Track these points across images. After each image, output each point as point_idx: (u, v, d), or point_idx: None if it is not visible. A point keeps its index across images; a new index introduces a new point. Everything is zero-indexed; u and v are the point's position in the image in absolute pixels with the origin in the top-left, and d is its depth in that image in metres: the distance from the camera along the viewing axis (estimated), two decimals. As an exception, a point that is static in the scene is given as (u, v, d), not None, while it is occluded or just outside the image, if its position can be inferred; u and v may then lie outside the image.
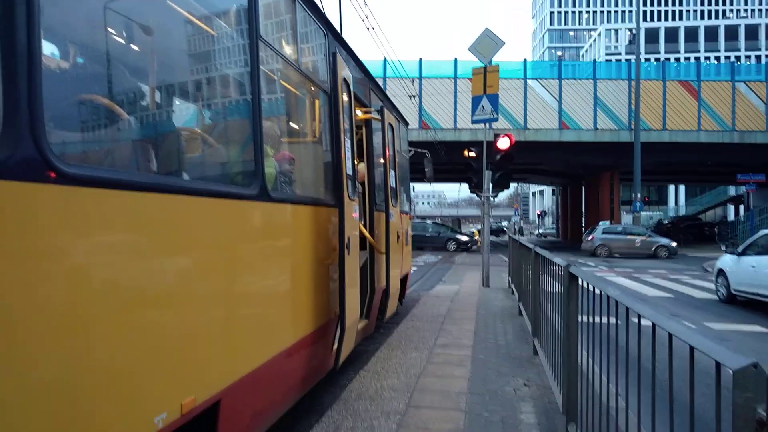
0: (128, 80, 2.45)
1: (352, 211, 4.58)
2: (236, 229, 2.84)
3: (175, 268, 2.29)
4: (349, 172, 4.58)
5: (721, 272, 11.11)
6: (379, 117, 6.32)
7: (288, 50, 3.87)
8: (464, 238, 30.20)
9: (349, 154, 4.65)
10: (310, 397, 4.61)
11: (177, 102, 3.04)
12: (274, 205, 3.28)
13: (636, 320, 2.17)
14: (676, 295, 11.86)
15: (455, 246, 28.91)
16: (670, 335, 1.74)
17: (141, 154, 2.35)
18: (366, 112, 6.21)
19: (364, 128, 6.35)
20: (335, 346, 4.32)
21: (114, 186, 1.92)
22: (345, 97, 4.72)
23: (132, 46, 2.52)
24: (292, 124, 4.48)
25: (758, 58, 69.10)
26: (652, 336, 1.94)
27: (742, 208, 43.29)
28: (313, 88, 4.48)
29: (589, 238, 26.00)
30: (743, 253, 10.47)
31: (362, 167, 6.35)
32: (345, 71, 4.70)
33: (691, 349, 1.57)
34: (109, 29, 2.31)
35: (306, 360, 3.81)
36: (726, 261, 11.06)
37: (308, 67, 4.31)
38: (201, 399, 2.38)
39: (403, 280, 8.44)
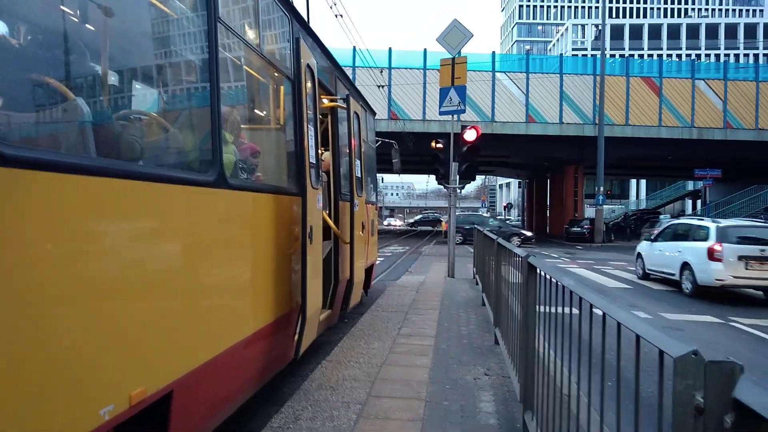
0: (77, 61, 2.35)
1: (316, 200, 4.53)
2: (191, 216, 2.76)
3: (124, 255, 2.21)
4: (313, 160, 4.53)
5: (639, 255, 13.82)
6: (344, 105, 6.26)
7: (249, 34, 3.78)
8: (528, 233, 28.33)
9: (312, 143, 4.59)
10: (271, 388, 4.57)
11: (129, 85, 2.94)
12: (232, 192, 3.21)
13: (589, 309, 2.22)
14: (635, 286, 12.18)
15: (519, 240, 26.31)
16: (619, 324, 1.77)
17: (88, 137, 2.26)
18: (332, 101, 6.15)
19: (329, 117, 6.29)
20: (296, 336, 4.29)
21: (57, 169, 1.84)
22: (309, 85, 4.65)
23: (83, 25, 2.42)
24: (253, 110, 4.40)
25: (717, 56, 71.21)
26: (602, 324, 1.97)
27: (699, 202, 44.69)
28: (276, 75, 4.40)
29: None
30: (655, 240, 13.14)
31: (327, 156, 6.29)
32: (309, 58, 4.63)
33: (637, 337, 1.60)
34: (58, 8, 2.21)
35: (266, 350, 3.76)
36: (643, 246, 13.82)
37: (271, 52, 4.23)
38: (152, 390, 2.32)
39: (369, 271, 8.44)
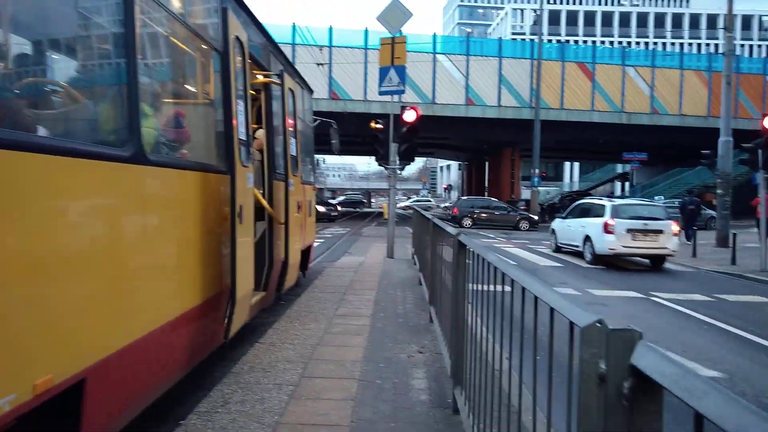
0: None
1: (246, 178, 4.40)
2: (105, 192, 2.60)
3: (30, 234, 2.05)
4: (243, 137, 4.38)
5: (553, 231, 15.58)
6: (278, 82, 6.10)
7: (172, 2, 3.58)
8: (535, 218, 27.69)
9: (242, 119, 4.44)
10: (201, 372, 4.44)
11: (37, 53, 2.72)
12: (153, 169, 3.05)
13: (506, 287, 2.26)
14: (566, 264, 12.67)
15: (528, 225, 26.15)
16: (536, 297, 1.80)
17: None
18: (265, 76, 5.97)
19: (263, 93, 6.11)
20: (226, 319, 4.17)
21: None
22: (238, 59, 4.48)
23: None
24: (177, 83, 4.19)
25: (647, 44, 74.36)
26: (521, 297, 2.01)
27: (627, 184, 46.87)
28: (203, 46, 4.20)
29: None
30: (566, 218, 14.96)
31: (261, 134, 6.12)
32: (238, 30, 4.45)
33: (551, 309, 1.63)
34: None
35: (193, 334, 3.64)
36: (556, 223, 15.61)
37: (196, 23, 4.03)
38: (60, 378, 2.18)
39: (306, 252, 8.35)
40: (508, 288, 2.49)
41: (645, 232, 12.11)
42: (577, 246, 13.60)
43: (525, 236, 21.47)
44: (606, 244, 12.14)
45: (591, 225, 12.92)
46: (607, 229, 12.16)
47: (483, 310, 2.89)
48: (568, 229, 14.34)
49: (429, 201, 61.99)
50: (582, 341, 1.28)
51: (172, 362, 3.42)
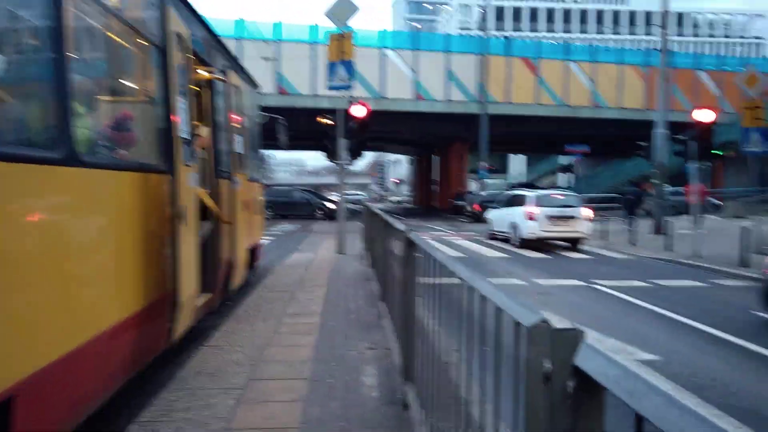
0: None
1: (188, 178, 4.26)
2: (35, 197, 2.45)
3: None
4: (184, 135, 4.24)
5: (488, 220, 17.13)
6: (223, 78, 5.93)
7: (106, -5, 3.40)
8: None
9: (184, 116, 4.29)
10: (144, 378, 4.28)
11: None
12: (87, 171, 2.89)
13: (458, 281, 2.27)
14: (514, 256, 12.95)
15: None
16: (483, 296, 1.81)
17: None
18: (209, 72, 5.79)
19: (207, 90, 5.92)
20: (170, 323, 4.03)
21: None
22: (179, 54, 4.32)
23: None
24: (114, 80, 4.00)
25: (589, 40, 76.83)
26: (469, 297, 2.02)
27: (571, 176, 48.37)
28: (141, 42, 4.02)
29: None
30: (497, 207, 16.51)
31: (205, 131, 5.94)
32: (179, 25, 4.29)
33: (497, 308, 1.64)
34: None
35: (133, 341, 3.49)
36: (491, 212, 17.10)
37: (134, 17, 3.85)
38: (-14, 396, 2.04)
39: (254, 250, 8.19)
40: (456, 280, 2.51)
41: (562, 218, 13.75)
42: (506, 232, 15.05)
43: (473, 227, 21.81)
44: (529, 229, 13.79)
45: (517, 213, 14.41)
46: (530, 216, 13.77)
47: (432, 305, 2.90)
48: (500, 217, 15.80)
49: (358, 195, 61.85)
50: (528, 340, 1.29)
51: (112, 371, 3.27)
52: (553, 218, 13.70)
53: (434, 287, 2.83)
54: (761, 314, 6.58)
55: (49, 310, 2.53)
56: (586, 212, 14.15)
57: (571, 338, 1.13)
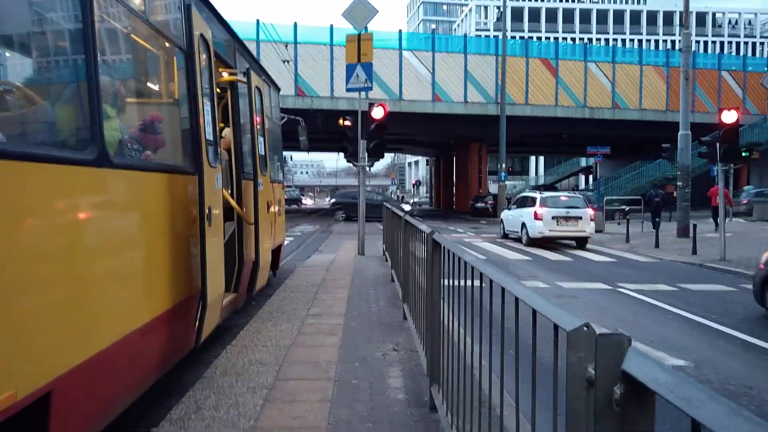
0: None
1: (214, 179, 4.30)
2: (67, 197, 2.49)
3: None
4: (210, 137, 4.28)
5: (501, 221, 17.99)
6: (245, 80, 5.98)
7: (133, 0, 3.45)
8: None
9: (209, 118, 4.33)
10: (172, 377, 4.33)
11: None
12: (117, 171, 2.94)
13: (479, 283, 2.26)
14: (535, 258, 12.85)
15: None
16: (517, 299, 1.79)
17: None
18: (231, 74, 5.84)
19: (229, 92, 5.98)
20: (197, 322, 4.07)
21: None
22: (204, 56, 4.37)
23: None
24: (141, 83, 4.06)
25: (607, 41, 75.98)
26: (501, 299, 2.00)
27: (591, 177, 47.86)
28: (166, 44, 4.08)
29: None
30: (510, 209, 17.43)
31: (228, 133, 6.00)
32: (203, 28, 4.33)
33: (534, 311, 1.62)
34: None
35: (163, 340, 3.54)
36: (504, 213, 17.94)
37: (159, 20, 3.91)
38: (24, 392, 2.08)
39: (276, 251, 8.24)
40: (486, 282, 2.49)
41: (567, 218, 14.72)
42: (516, 232, 16.02)
43: (493, 229, 21.70)
44: (536, 228, 14.78)
45: (526, 214, 15.45)
46: (537, 216, 14.77)
47: (458, 307, 2.89)
48: (512, 218, 16.71)
49: (295, 192, 62.05)
50: (568, 345, 1.27)
51: (142, 370, 3.32)
52: (559, 218, 14.67)
53: (461, 289, 2.81)
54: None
55: (84, 308, 2.58)
56: (591, 212, 15.20)
57: (617, 343, 1.12)
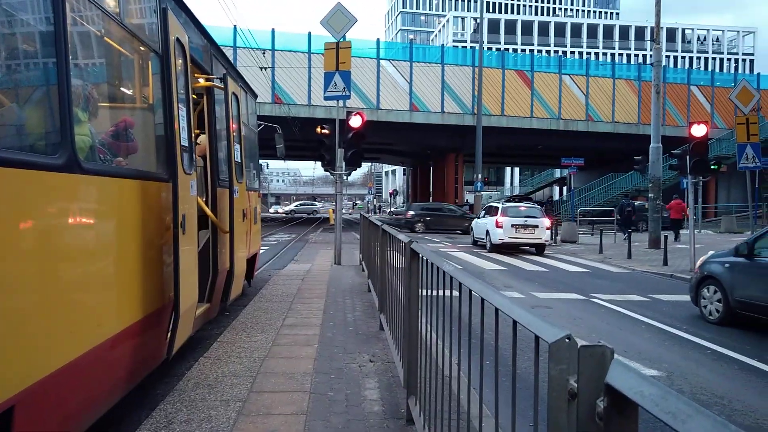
0: None
1: (189, 186, 4.22)
2: (35, 204, 2.41)
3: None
4: (185, 143, 4.20)
5: (472, 228, 19.61)
6: (222, 86, 5.91)
7: (107, 0, 3.38)
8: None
9: (184, 124, 4.26)
10: (142, 390, 4.21)
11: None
12: (87, 177, 2.86)
13: (471, 294, 2.24)
14: (510, 268, 12.94)
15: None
16: (497, 309, 1.78)
17: None
18: (207, 80, 5.77)
19: (205, 98, 5.90)
20: (169, 333, 3.97)
21: None
22: (179, 61, 4.30)
23: None
24: (114, 87, 3.97)
25: (581, 54, 77.53)
26: (481, 310, 1.98)
27: (565, 188, 48.58)
28: (141, 48, 4.00)
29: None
30: (479, 217, 19.12)
31: (203, 139, 5.91)
32: (179, 32, 4.27)
33: (514, 322, 1.61)
34: None
35: (133, 351, 3.44)
36: (475, 222, 19.49)
37: (134, 24, 3.83)
38: (-15, 408, 1.99)
39: (252, 260, 8.13)
40: (456, 293, 2.48)
41: (525, 226, 16.22)
42: (483, 238, 17.49)
43: (468, 239, 21.83)
44: (497, 235, 16.31)
45: (489, 222, 16.98)
46: (497, 224, 16.34)
47: (436, 317, 2.87)
48: (479, 226, 18.33)
49: (314, 205, 63.49)
50: (550, 357, 1.26)
51: (111, 382, 3.21)
52: (517, 226, 16.22)
53: (439, 299, 2.80)
54: None
55: (50, 319, 2.48)
56: (547, 222, 16.77)
57: (599, 355, 1.11)
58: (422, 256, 3.33)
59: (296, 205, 58.62)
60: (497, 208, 17.17)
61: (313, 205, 63.45)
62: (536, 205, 18.69)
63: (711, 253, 8.31)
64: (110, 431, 3.60)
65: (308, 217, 49.45)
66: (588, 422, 1.11)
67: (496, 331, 1.81)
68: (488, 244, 16.85)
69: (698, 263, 7.95)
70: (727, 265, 7.23)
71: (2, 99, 2.61)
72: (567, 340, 1.24)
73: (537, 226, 16.25)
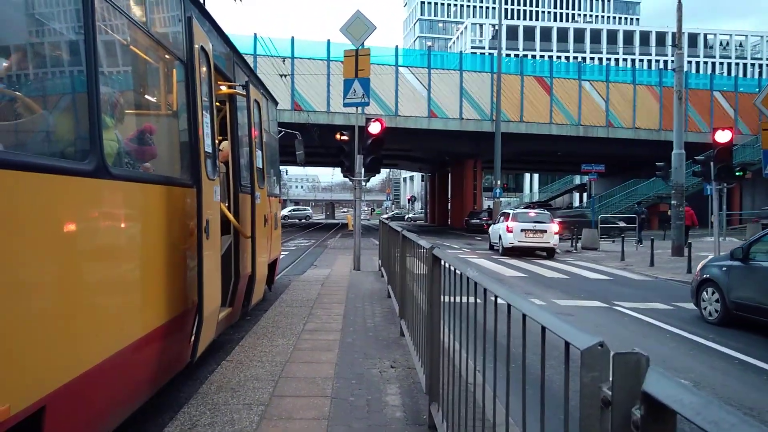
0: None
1: (212, 192, 4.27)
2: (64, 209, 2.45)
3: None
4: (209, 149, 4.25)
5: (489, 234, 20.72)
6: (244, 93, 5.97)
7: (134, 11, 3.45)
8: None
9: (208, 131, 4.31)
10: (166, 393, 4.26)
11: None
12: (115, 183, 2.91)
13: (493, 299, 2.23)
14: (530, 275, 12.83)
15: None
16: (524, 315, 1.76)
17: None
18: (230, 87, 5.83)
19: (228, 104, 5.97)
20: (193, 337, 4.01)
21: None
22: (204, 69, 4.36)
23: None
24: (141, 95, 4.03)
25: (600, 60, 76.92)
26: (507, 316, 1.97)
27: (585, 195, 48.07)
28: (167, 56, 4.06)
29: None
30: (494, 223, 20.26)
31: (225, 146, 5.98)
32: (203, 40, 4.33)
33: (543, 328, 1.59)
34: None
35: (158, 354, 3.48)
36: (492, 227, 20.45)
37: (160, 32, 3.89)
38: (18, 408, 2.03)
39: (272, 265, 8.18)
40: (479, 300, 2.46)
41: (534, 231, 17.17)
42: (497, 243, 18.38)
43: (488, 245, 21.69)
44: (508, 239, 17.33)
45: (502, 227, 18.05)
46: (508, 229, 17.38)
47: (459, 324, 2.85)
48: (494, 231, 19.39)
49: (306, 210, 63.84)
50: (582, 364, 1.24)
51: (137, 385, 3.25)
52: (526, 231, 17.17)
53: (462, 306, 2.78)
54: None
55: (79, 322, 2.53)
56: (554, 227, 17.52)
57: (635, 363, 1.09)
58: (444, 262, 3.32)
59: (289, 211, 58.88)
60: (508, 213, 18.26)
61: (306, 210, 63.91)
62: (545, 211, 19.81)
63: (710, 257, 8.68)
64: (134, 434, 3.65)
65: (327, 223, 49.59)
66: (622, 429, 1.09)
67: (524, 338, 1.80)
68: (501, 248, 17.74)
69: (698, 267, 8.32)
70: (724, 268, 7.64)
71: (34, 106, 2.67)
72: (600, 347, 1.23)
73: (546, 231, 17.13)
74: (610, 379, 1.15)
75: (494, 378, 2.20)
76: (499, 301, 2.11)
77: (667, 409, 0.94)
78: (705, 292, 7.89)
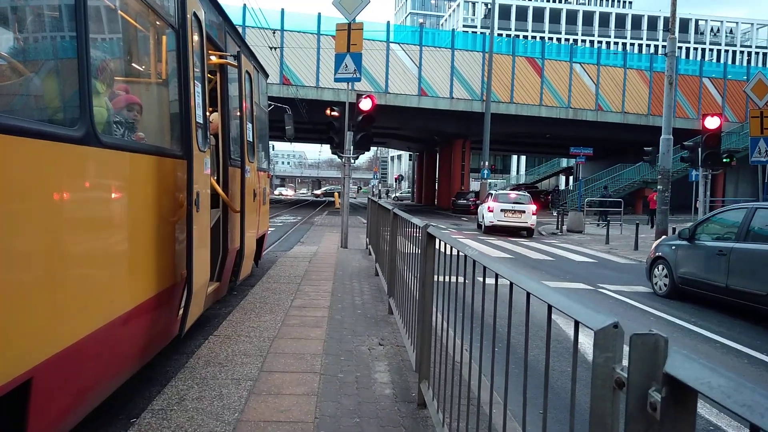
0: None
1: (203, 164, 4.18)
2: (53, 177, 2.37)
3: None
4: (200, 120, 4.15)
5: (479, 215, 20.93)
6: (235, 63, 5.83)
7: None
8: None
9: (199, 101, 4.20)
10: (153, 366, 4.22)
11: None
12: (104, 151, 2.81)
13: (481, 279, 2.21)
14: (516, 256, 12.90)
15: None
16: (528, 294, 1.73)
17: None
18: (221, 57, 5.69)
19: (218, 75, 5.83)
20: (181, 311, 3.96)
21: None
22: (196, 37, 4.23)
23: None
24: (131, 61, 3.90)
25: (592, 42, 76.67)
26: (509, 294, 1.94)
27: (571, 178, 48.32)
28: (158, 22, 3.93)
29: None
30: (482, 203, 21.05)
31: (216, 117, 5.85)
32: (195, 6, 4.19)
33: (549, 307, 1.56)
34: None
35: (146, 327, 3.42)
36: (480, 207, 21.12)
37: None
38: (4, 380, 1.97)
39: (260, 241, 8.11)
40: (470, 280, 2.44)
41: (513, 211, 18.16)
42: (481, 221, 19.51)
43: (474, 226, 21.76)
44: (488, 219, 18.46)
45: (484, 207, 19.23)
46: (489, 209, 18.47)
47: (450, 302, 2.83)
48: (481, 210, 20.11)
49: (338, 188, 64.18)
50: (595, 345, 1.22)
51: (125, 358, 3.20)
52: (506, 211, 18.16)
53: (458, 285, 2.76)
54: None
55: (66, 293, 2.46)
56: (532, 208, 18.37)
57: (653, 344, 1.06)
58: (438, 241, 3.28)
59: (323, 191, 58.91)
60: (491, 194, 19.77)
61: (337, 188, 63.94)
62: (526, 193, 20.74)
63: (663, 237, 9.48)
64: (124, 406, 3.61)
65: (313, 201, 49.39)
66: (638, 411, 1.07)
67: (527, 318, 1.77)
68: (482, 226, 18.99)
69: (653, 246, 9.11)
70: (673, 247, 8.38)
71: (22, 69, 2.56)
72: (614, 328, 1.20)
73: (524, 211, 18.10)
74: (625, 360, 1.13)
75: (492, 361, 2.19)
76: (497, 281, 2.09)
77: (690, 391, 0.92)
78: (656, 269, 8.68)
